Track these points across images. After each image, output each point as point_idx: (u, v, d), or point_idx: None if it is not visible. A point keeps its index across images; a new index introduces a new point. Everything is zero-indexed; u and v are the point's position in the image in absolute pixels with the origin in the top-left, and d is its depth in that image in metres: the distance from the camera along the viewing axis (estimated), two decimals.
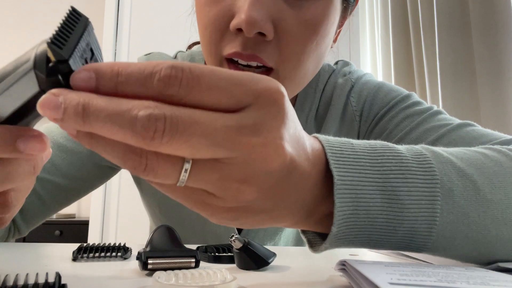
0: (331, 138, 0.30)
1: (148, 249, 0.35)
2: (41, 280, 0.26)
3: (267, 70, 0.46)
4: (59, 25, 0.22)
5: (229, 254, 0.41)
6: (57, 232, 2.30)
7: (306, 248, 0.59)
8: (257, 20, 0.41)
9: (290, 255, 0.48)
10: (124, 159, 0.21)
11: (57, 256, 0.43)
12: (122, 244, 0.44)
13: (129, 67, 0.21)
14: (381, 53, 1.81)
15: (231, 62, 0.45)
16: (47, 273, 0.28)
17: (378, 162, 0.29)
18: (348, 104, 0.61)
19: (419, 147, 0.32)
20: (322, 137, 0.29)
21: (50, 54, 0.21)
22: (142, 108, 0.20)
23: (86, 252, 0.41)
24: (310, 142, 0.27)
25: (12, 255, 0.43)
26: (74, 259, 0.40)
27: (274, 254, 0.38)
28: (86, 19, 0.24)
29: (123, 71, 0.21)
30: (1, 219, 0.32)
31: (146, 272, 0.34)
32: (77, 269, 0.36)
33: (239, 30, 0.43)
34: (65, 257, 0.42)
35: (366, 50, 1.98)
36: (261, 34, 0.43)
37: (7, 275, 0.28)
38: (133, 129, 0.20)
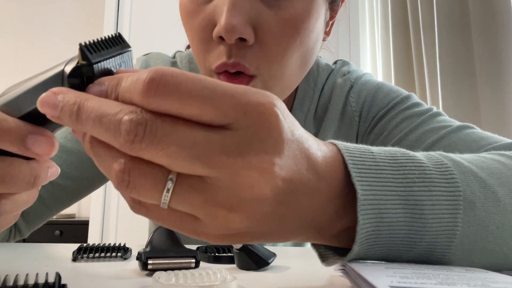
0: (350, 145, 0.28)
1: (148, 249, 0.35)
2: (41, 280, 0.26)
3: (250, 75, 0.45)
4: (98, 38, 0.24)
5: (229, 254, 0.41)
6: (57, 232, 2.30)
7: (306, 249, 0.59)
8: (236, 26, 0.40)
9: (290, 255, 0.48)
10: (110, 173, 0.22)
11: (57, 256, 0.43)
12: (122, 244, 0.44)
13: (125, 76, 0.22)
14: (381, 53, 1.81)
15: (221, 74, 0.45)
16: (47, 273, 0.28)
17: (401, 173, 0.27)
18: (347, 104, 0.61)
19: (438, 155, 0.30)
20: (341, 145, 0.28)
21: (79, 57, 0.23)
22: (128, 112, 0.20)
23: (86, 252, 0.41)
24: (322, 153, 0.26)
25: (12, 255, 0.43)
26: (74, 259, 0.40)
27: (274, 254, 0.38)
28: (128, 46, 0.26)
29: (122, 81, 0.22)
30: None
31: (146, 272, 0.34)
32: (77, 269, 0.36)
33: (222, 38, 0.43)
34: (65, 257, 0.42)
35: (366, 50, 1.98)
36: (242, 39, 0.42)
37: (7, 275, 0.28)
38: (116, 131, 0.20)
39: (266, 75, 0.45)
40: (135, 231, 1.83)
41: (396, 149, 0.30)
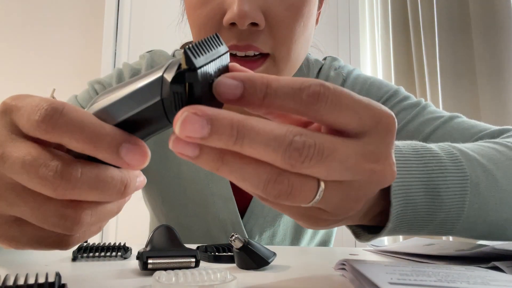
0: None
1: (148, 248, 0.35)
2: (41, 280, 0.26)
3: (263, 57, 0.49)
4: (202, 40, 0.22)
5: (229, 254, 0.41)
6: None
7: (306, 248, 0.59)
8: (248, 12, 0.44)
9: (290, 254, 0.48)
10: (268, 187, 0.22)
11: (57, 256, 0.43)
12: (122, 244, 0.44)
13: (278, 80, 0.22)
14: (381, 53, 1.81)
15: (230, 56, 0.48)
16: (47, 273, 0.27)
17: (422, 163, 0.32)
18: None
19: (447, 146, 0.36)
20: None
21: (183, 61, 0.21)
22: (295, 134, 0.21)
23: (86, 252, 0.41)
24: None
25: (12, 255, 0.43)
26: (74, 259, 0.40)
27: (274, 254, 0.38)
28: (226, 47, 0.24)
29: (273, 83, 0.22)
30: (65, 239, 0.26)
31: (146, 272, 0.34)
32: (77, 269, 0.36)
33: (232, 24, 0.46)
34: (65, 257, 0.42)
35: (366, 50, 1.98)
36: (253, 24, 0.46)
37: (7, 275, 0.28)
38: (285, 152, 0.21)
39: (278, 56, 0.50)
40: (135, 231, 1.83)
41: (415, 142, 0.35)
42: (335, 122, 0.22)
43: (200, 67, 0.21)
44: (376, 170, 0.23)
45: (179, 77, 0.21)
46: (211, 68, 0.22)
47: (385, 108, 0.24)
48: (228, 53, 0.25)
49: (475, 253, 0.34)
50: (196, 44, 0.22)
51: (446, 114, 0.58)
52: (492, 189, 0.35)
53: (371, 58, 1.97)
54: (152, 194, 0.70)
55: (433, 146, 0.35)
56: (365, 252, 0.52)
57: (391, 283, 0.21)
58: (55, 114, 0.22)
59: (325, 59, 0.72)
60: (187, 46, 0.21)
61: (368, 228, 0.35)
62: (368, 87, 0.65)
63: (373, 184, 0.25)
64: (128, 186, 0.25)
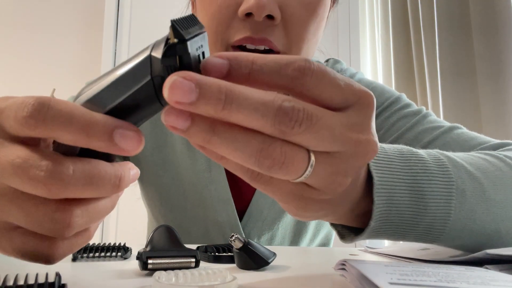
0: None
1: (148, 249, 0.35)
2: (41, 280, 0.26)
3: (272, 52, 0.48)
4: (181, 17, 0.22)
5: (229, 254, 0.41)
6: None
7: (306, 248, 0.60)
8: (266, 4, 0.44)
9: (290, 255, 0.48)
10: (261, 156, 0.22)
11: None
12: (122, 244, 0.44)
13: (264, 57, 0.22)
14: (381, 53, 1.81)
15: (239, 48, 0.48)
16: (47, 273, 0.28)
17: (407, 166, 0.33)
18: None
19: (435, 152, 0.36)
20: None
21: (171, 35, 0.21)
22: (284, 100, 0.21)
23: (86, 252, 0.41)
24: None
25: None
26: (74, 259, 0.40)
27: (274, 254, 0.38)
28: (203, 26, 0.24)
29: (258, 60, 0.22)
30: (52, 243, 0.25)
31: (146, 272, 0.34)
32: (77, 269, 0.36)
33: (248, 15, 0.45)
34: (65, 257, 0.42)
35: (366, 50, 1.98)
36: (269, 18, 0.46)
37: (7, 275, 0.28)
38: (275, 118, 0.21)
39: (289, 54, 0.49)
40: (135, 231, 1.83)
41: (402, 146, 0.35)
42: (320, 96, 0.23)
43: (188, 39, 0.21)
44: (361, 140, 0.24)
45: (170, 50, 0.21)
46: (196, 44, 0.23)
47: (364, 87, 0.25)
48: (206, 33, 0.25)
49: (468, 258, 0.35)
50: (179, 19, 0.22)
51: (447, 124, 0.58)
52: (479, 197, 0.34)
53: (371, 58, 1.97)
54: (150, 196, 0.69)
55: (420, 151, 0.35)
56: (365, 252, 0.52)
57: (391, 283, 0.21)
58: (42, 108, 0.22)
59: (327, 61, 0.71)
60: (173, 19, 0.21)
61: (354, 230, 0.35)
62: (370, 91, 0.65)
63: (359, 156, 0.25)
64: (122, 179, 0.25)
